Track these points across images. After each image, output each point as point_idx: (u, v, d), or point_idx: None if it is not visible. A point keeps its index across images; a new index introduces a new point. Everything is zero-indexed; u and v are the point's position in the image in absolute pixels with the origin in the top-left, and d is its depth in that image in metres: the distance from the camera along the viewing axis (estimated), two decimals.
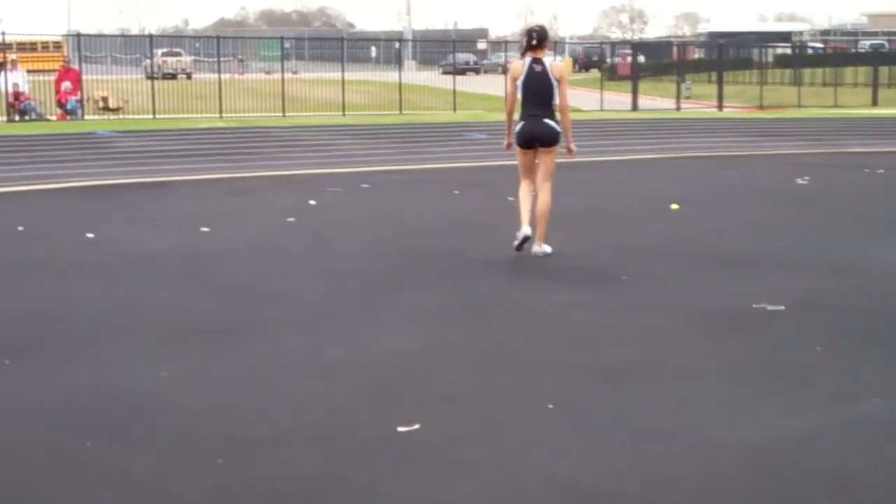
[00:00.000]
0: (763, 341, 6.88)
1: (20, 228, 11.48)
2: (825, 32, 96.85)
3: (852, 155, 20.71)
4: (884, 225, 11.88)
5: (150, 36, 40.99)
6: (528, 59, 9.88)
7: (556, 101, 9.90)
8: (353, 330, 7.22)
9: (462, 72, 41.27)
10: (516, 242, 9.84)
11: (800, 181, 15.86)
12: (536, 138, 9.85)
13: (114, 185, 15.79)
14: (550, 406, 5.58)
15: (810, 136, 25.04)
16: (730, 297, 8.09)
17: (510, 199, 13.57)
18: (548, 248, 9.85)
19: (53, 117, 28.35)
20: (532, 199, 9.92)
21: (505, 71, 35.12)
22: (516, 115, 10.06)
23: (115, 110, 29.84)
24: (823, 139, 24.36)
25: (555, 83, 9.83)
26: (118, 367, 6.31)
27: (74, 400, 5.73)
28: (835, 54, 58.40)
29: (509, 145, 10.18)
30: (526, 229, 9.77)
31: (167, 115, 28.76)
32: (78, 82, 28.79)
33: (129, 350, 6.68)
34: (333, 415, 5.50)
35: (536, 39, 9.85)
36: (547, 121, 9.84)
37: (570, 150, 10.11)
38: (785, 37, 77.16)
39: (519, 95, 9.98)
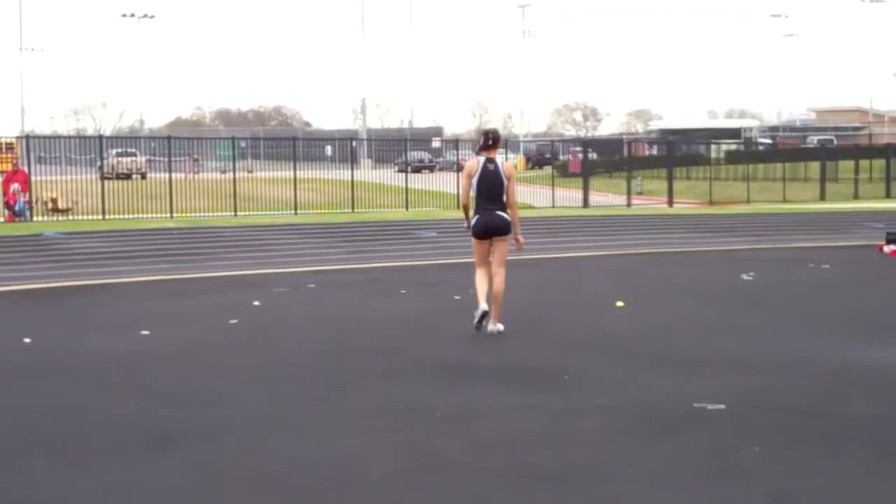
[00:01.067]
0: (703, 441, 6.82)
1: None
2: (774, 128, 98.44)
3: (799, 250, 20.92)
4: (826, 322, 11.92)
5: (101, 137, 40.99)
6: (482, 158, 10.99)
7: (507, 197, 11.00)
8: (288, 436, 7.08)
9: (418, 170, 41.52)
10: (475, 320, 10.88)
11: (745, 277, 15.94)
12: (490, 230, 10.94)
13: (58, 287, 15.63)
14: None
15: (758, 232, 25.29)
16: (671, 397, 8.04)
17: (456, 297, 13.59)
18: (501, 327, 10.91)
19: (1, 219, 28.13)
20: (487, 281, 10.96)
21: (459, 169, 35.59)
22: (472, 207, 11.12)
23: (65, 211, 29.65)
24: (771, 234, 24.62)
25: (505, 181, 10.95)
26: (44, 478, 6.14)
27: None
28: (784, 150, 59.32)
29: (468, 227, 11.15)
30: (484, 305, 10.83)
31: (118, 216, 28.64)
32: (27, 183, 28.65)
33: (56, 459, 6.52)
34: None
35: (492, 141, 11.07)
36: (500, 213, 10.94)
37: (517, 241, 11.15)
38: (735, 133, 78.42)
39: (473, 191, 11.04)
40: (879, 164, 45.45)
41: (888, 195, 41.58)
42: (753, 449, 6.59)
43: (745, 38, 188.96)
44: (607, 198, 37.95)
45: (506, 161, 11.72)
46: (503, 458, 6.50)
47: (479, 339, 10.78)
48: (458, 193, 33.51)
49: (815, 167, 44.52)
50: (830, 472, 6.17)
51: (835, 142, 70.02)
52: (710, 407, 7.65)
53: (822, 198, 39.77)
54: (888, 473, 6.16)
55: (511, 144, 68.62)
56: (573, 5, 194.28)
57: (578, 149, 46.19)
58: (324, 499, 5.77)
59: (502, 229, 10.95)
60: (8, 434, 7.19)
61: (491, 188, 10.92)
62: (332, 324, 11.89)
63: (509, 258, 11.13)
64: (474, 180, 10.96)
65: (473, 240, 11.11)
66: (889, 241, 20.13)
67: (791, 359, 9.57)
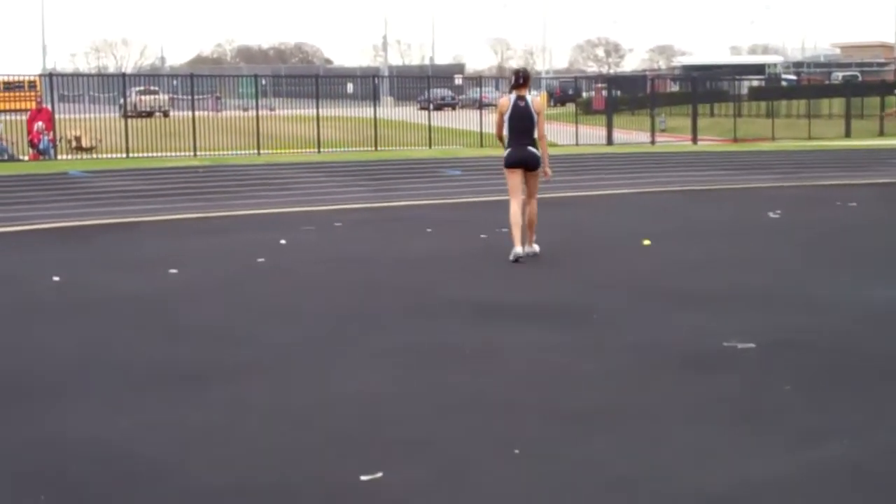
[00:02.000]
0: (732, 381, 6.82)
1: None
2: (798, 64, 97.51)
3: (825, 188, 20.78)
4: (855, 260, 11.86)
5: (124, 75, 40.93)
6: (513, 95, 11.82)
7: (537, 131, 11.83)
8: (316, 374, 7.12)
9: (439, 107, 41.34)
10: (512, 258, 11.51)
11: (772, 215, 15.87)
12: (522, 162, 11.79)
13: (84, 226, 15.69)
14: (516, 451, 5.50)
15: (784, 169, 25.13)
16: (700, 336, 8.03)
17: (482, 236, 13.57)
18: (537, 248, 11.97)
19: (25, 157, 28.21)
20: (522, 218, 11.74)
21: (481, 106, 35.46)
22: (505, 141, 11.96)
23: (89, 150, 29.69)
24: (797, 172, 24.46)
25: (535, 116, 11.78)
26: (77, 418, 6.19)
27: (30, 452, 5.62)
28: (809, 86, 58.78)
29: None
30: (518, 249, 11.52)
31: (141, 155, 28.65)
32: (50, 122, 28.68)
33: (88, 399, 6.57)
34: (296, 465, 5.40)
35: (522, 79, 11.91)
36: (530, 148, 11.78)
37: (545, 173, 11.95)
38: (759, 69, 77.73)
39: (505, 128, 11.87)
40: None
41: None
42: (784, 388, 6.59)
43: None
44: (631, 135, 37.74)
45: (535, 97, 12.38)
46: (533, 397, 6.52)
47: (507, 277, 10.80)
48: (480, 131, 33.50)
49: (839, 103, 44.09)
50: (862, 411, 6.17)
51: (860, 77, 69.36)
52: (740, 346, 7.64)
53: (848, 135, 39.43)
54: None
55: (533, 81, 68.26)
56: None
57: (602, 85, 45.86)
58: (354, 436, 5.80)
59: (534, 163, 11.80)
60: (41, 373, 7.25)
61: (522, 124, 11.74)
62: (359, 262, 11.91)
63: (538, 195, 12.07)
64: (506, 117, 11.81)
65: (507, 171, 11.93)
66: None
67: (820, 297, 9.55)
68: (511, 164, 11.82)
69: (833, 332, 8.17)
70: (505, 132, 11.89)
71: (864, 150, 31.64)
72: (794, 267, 11.43)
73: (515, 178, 11.83)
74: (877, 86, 50.49)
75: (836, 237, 13.75)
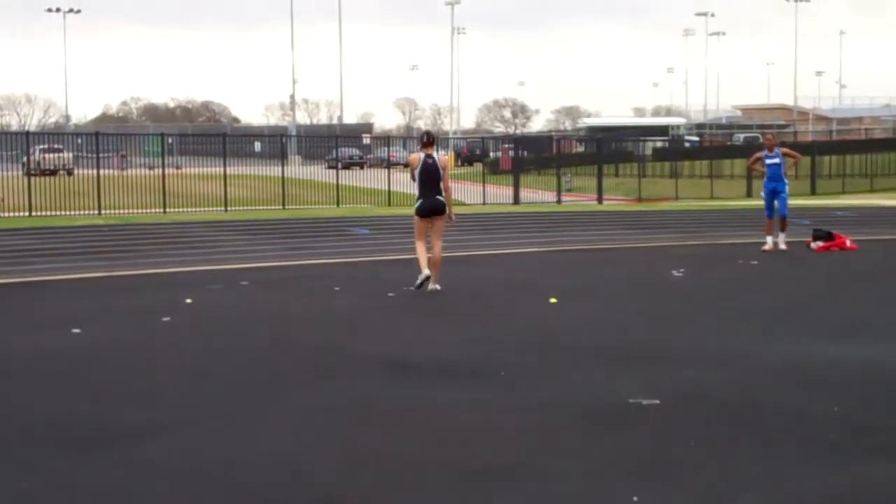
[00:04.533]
0: (639, 437, 6.89)
1: None
2: (701, 126, 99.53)
3: (727, 246, 21.16)
4: (757, 316, 12.08)
5: (28, 133, 40.39)
6: (422, 154, 13.96)
7: (443, 183, 13.98)
8: (224, 434, 7.05)
9: (347, 166, 41.39)
10: (417, 283, 13.59)
11: (676, 273, 16.11)
12: (432, 211, 13.97)
13: None
14: None
15: (687, 228, 25.56)
16: (606, 392, 8.11)
17: (390, 294, 13.60)
18: (439, 286, 13.71)
19: None
20: (426, 252, 13.80)
21: (389, 165, 35.62)
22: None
23: None
24: (700, 231, 24.90)
25: (441, 171, 13.98)
26: None
27: None
28: (711, 147, 59.99)
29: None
30: (426, 271, 13.61)
31: (45, 213, 28.25)
32: None
33: None
34: None
35: (429, 139, 14.25)
36: (438, 197, 13.97)
37: (450, 218, 14.09)
38: (663, 130, 79.26)
39: (416, 181, 13.94)
40: (804, 161, 46.08)
41: (813, 192, 42.19)
42: (689, 444, 6.68)
43: (670, 38, 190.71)
44: (538, 195, 38.13)
45: (441, 154, 14.81)
46: (442, 455, 6.53)
47: (416, 335, 10.82)
48: (388, 190, 33.63)
49: (741, 164, 44.97)
50: (764, 464, 6.27)
51: (761, 139, 70.93)
52: (645, 402, 7.73)
53: (749, 194, 40.23)
54: (823, 468, 6.26)
55: (441, 142, 68.68)
56: (500, 7, 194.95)
57: (509, 146, 46.32)
58: (264, 497, 5.76)
59: (441, 210, 13.97)
60: None
61: (430, 178, 13.91)
62: (267, 321, 11.84)
63: (444, 255, 14.10)
64: (416, 172, 13.89)
65: (416, 218, 14.07)
66: (816, 238, 20.43)
67: (723, 353, 9.70)
68: (422, 213, 13.96)
69: (735, 387, 8.30)
70: (415, 185, 13.98)
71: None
72: (697, 324, 11.61)
73: (423, 225, 14.03)
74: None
75: (738, 294, 14.00)
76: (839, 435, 6.90)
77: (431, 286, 13.56)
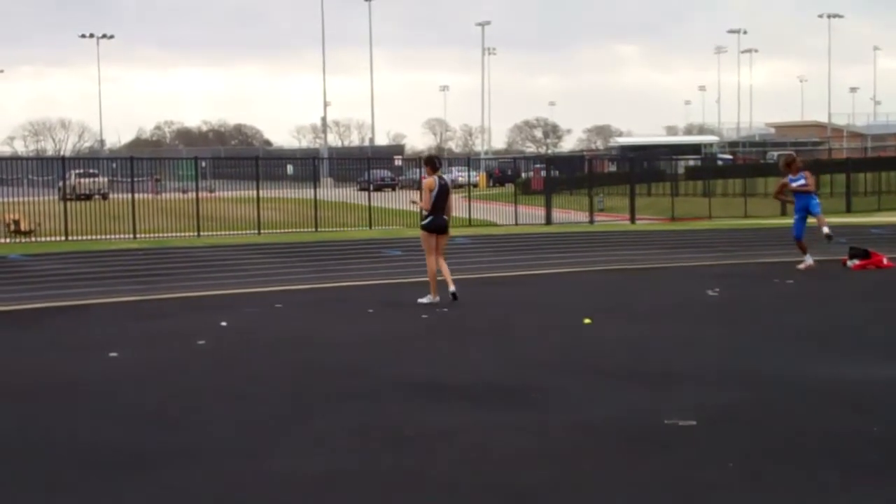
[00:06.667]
0: (675, 458, 6.85)
1: None
2: (734, 144, 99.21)
3: (762, 265, 21.04)
4: (793, 337, 12.00)
5: (63, 158, 40.73)
6: (436, 177, 15.46)
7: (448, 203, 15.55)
8: (259, 458, 7.06)
9: (379, 188, 41.49)
10: (425, 301, 15.04)
11: (711, 293, 16.03)
12: (443, 229, 15.49)
13: (24, 309, 15.51)
14: None
15: (721, 247, 25.43)
16: (642, 414, 8.07)
17: (423, 316, 13.59)
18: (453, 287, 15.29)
19: None
20: (437, 268, 15.30)
21: (420, 187, 35.62)
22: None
23: (27, 233, 29.43)
24: (734, 250, 24.76)
25: (450, 194, 15.56)
26: (15, 502, 6.09)
27: None
28: (744, 165, 59.74)
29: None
30: (437, 298, 15.03)
31: (80, 238, 28.44)
32: None
33: (26, 482, 6.46)
34: None
35: (440, 164, 15.87)
36: (445, 217, 15.52)
37: (450, 235, 15.80)
38: (695, 149, 78.96)
39: (430, 201, 15.33)
40: (839, 178, 45.82)
41: (848, 210, 41.90)
42: (728, 465, 6.63)
43: (703, 56, 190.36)
44: (570, 215, 38.06)
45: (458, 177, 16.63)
46: (476, 478, 6.51)
47: (449, 357, 10.81)
48: (420, 212, 33.60)
49: (775, 182, 44.65)
50: (805, 489, 6.22)
51: (776, 159, 70.65)
52: (681, 423, 7.69)
53: (783, 213, 40.01)
54: (863, 490, 6.20)
55: (472, 162, 68.72)
56: (529, 26, 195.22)
57: (540, 166, 46.30)
58: None
59: (447, 229, 15.61)
60: None
61: (443, 199, 15.45)
62: (301, 344, 11.86)
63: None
64: (433, 193, 15.33)
65: (425, 234, 15.47)
66: (852, 256, 20.29)
67: (760, 374, 9.63)
68: (434, 230, 15.38)
69: (773, 408, 8.24)
70: (417, 206, 16.07)
71: None
72: (732, 344, 11.53)
73: (433, 241, 15.41)
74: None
75: (775, 314, 13.91)
76: (879, 457, 6.84)
77: (452, 288, 15.14)
